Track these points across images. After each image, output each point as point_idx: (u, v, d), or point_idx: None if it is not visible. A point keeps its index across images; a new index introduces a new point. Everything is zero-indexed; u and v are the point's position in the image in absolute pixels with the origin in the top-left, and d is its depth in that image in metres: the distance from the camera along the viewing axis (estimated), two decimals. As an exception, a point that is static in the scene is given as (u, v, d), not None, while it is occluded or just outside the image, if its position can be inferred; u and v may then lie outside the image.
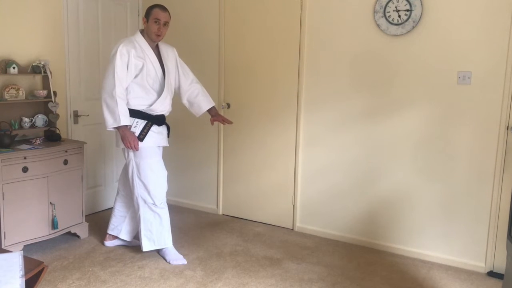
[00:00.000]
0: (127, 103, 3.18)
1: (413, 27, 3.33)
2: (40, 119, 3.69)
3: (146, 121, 3.23)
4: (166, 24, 3.23)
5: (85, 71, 4.14)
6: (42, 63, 3.61)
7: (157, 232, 3.31)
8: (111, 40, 4.34)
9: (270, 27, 3.96)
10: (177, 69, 3.44)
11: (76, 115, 4.09)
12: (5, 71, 3.44)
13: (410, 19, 3.33)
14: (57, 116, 3.74)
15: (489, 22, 3.10)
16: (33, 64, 3.60)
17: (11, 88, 3.47)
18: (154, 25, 3.18)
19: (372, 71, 3.55)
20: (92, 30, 4.16)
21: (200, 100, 3.48)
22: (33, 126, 3.65)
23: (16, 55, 3.58)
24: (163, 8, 3.22)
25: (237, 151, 4.26)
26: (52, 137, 3.62)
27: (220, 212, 4.43)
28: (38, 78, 3.74)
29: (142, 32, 3.25)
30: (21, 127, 3.59)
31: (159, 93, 3.25)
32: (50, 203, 3.42)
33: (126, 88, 3.16)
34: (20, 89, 3.53)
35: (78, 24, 4.04)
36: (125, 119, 3.09)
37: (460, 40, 3.21)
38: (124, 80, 3.11)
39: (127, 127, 3.14)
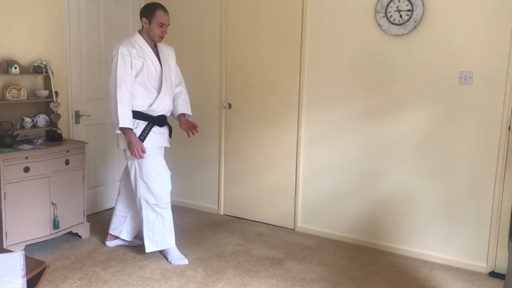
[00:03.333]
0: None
1: (415, 27, 3.33)
2: (41, 119, 3.70)
3: (147, 122, 3.23)
4: (168, 26, 3.24)
5: (86, 71, 4.15)
6: (44, 63, 3.62)
7: (159, 233, 3.31)
8: (112, 40, 4.34)
9: (272, 27, 3.96)
10: (175, 69, 3.42)
11: (77, 115, 4.10)
12: (6, 71, 3.44)
13: (411, 19, 3.32)
14: (59, 116, 3.74)
15: (490, 22, 3.10)
16: (35, 64, 3.61)
17: (13, 88, 3.47)
18: (159, 29, 3.18)
19: (373, 71, 3.54)
20: (93, 30, 4.17)
21: (180, 103, 3.45)
22: (34, 126, 3.66)
23: (18, 55, 3.59)
24: (165, 9, 3.21)
25: (238, 151, 4.26)
26: (53, 137, 3.62)
27: (222, 212, 4.43)
28: (39, 78, 3.75)
29: (140, 32, 3.24)
30: (22, 127, 3.59)
31: (159, 92, 3.25)
32: (52, 203, 3.42)
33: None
34: (22, 89, 3.53)
35: (80, 24, 4.05)
36: (124, 121, 3.06)
37: (461, 40, 3.20)
38: (128, 81, 3.09)
39: (132, 132, 3.12)
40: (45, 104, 3.72)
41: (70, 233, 3.65)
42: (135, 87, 3.17)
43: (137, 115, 3.22)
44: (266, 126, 4.07)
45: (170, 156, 4.57)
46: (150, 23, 3.18)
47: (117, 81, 3.06)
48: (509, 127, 3.12)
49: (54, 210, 3.44)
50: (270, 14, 3.96)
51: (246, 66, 4.13)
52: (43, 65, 3.61)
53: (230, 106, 4.25)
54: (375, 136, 3.59)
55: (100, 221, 4.12)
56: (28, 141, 3.54)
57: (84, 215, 3.72)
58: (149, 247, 3.32)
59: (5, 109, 3.49)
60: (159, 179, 3.27)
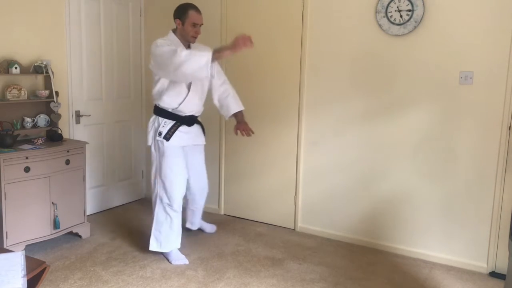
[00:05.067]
0: (161, 100, 3.24)
1: (415, 27, 3.33)
2: (42, 119, 3.70)
3: (174, 122, 3.28)
4: (201, 25, 3.26)
5: (87, 71, 4.15)
6: (44, 63, 3.62)
7: (166, 235, 3.33)
8: (113, 40, 4.35)
9: (272, 27, 3.96)
10: None
11: (78, 115, 4.10)
12: (7, 71, 3.44)
13: (412, 19, 3.32)
14: (59, 116, 3.74)
15: (491, 22, 3.10)
16: (35, 64, 3.61)
17: (13, 88, 3.48)
18: (192, 28, 3.20)
19: (374, 72, 3.54)
20: (94, 30, 4.17)
21: (230, 102, 3.49)
22: (35, 126, 3.66)
23: (18, 55, 3.59)
24: (197, 9, 3.24)
25: (239, 152, 4.25)
26: (54, 137, 3.62)
27: (222, 212, 4.43)
28: (40, 78, 3.75)
29: (174, 32, 3.27)
30: (23, 127, 3.59)
31: (189, 90, 3.28)
32: (52, 203, 3.43)
33: (161, 83, 3.22)
34: (22, 89, 3.53)
35: (80, 24, 4.05)
36: (206, 52, 2.87)
37: (462, 40, 3.20)
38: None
39: (217, 50, 2.92)
40: (45, 104, 3.73)
41: (71, 233, 3.66)
42: (169, 85, 3.21)
43: (165, 114, 3.27)
44: (266, 126, 4.07)
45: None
46: (183, 24, 3.20)
47: (171, 49, 2.97)
48: (510, 127, 3.12)
49: (54, 210, 3.44)
50: (270, 14, 3.96)
51: (246, 66, 4.13)
52: (44, 65, 3.61)
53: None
54: (376, 136, 3.59)
55: (100, 221, 4.12)
56: (29, 141, 3.54)
57: (84, 215, 3.72)
58: (153, 246, 3.34)
59: (6, 109, 3.49)
60: (175, 180, 3.30)
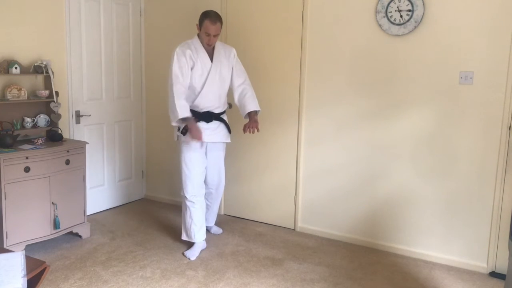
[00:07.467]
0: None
1: (415, 27, 3.33)
2: (42, 119, 3.70)
3: (192, 118, 3.38)
4: (216, 35, 3.38)
5: (87, 71, 4.15)
6: (44, 63, 3.62)
7: (187, 224, 3.51)
8: (113, 40, 4.35)
9: (272, 27, 3.96)
10: (231, 69, 3.55)
11: (78, 115, 4.10)
12: (7, 71, 3.44)
13: (412, 19, 3.32)
14: (59, 116, 3.74)
15: (491, 21, 3.10)
16: (35, 64, 3.61)
17: (13, 88, 3.48)
18: (205, 36, 3.38)
19: (374, 71, 3.54)
20: (94, 30, 4.17)
21: (246, 102, 3.54)
22: (35, 126, 3.66)
23: (18, 55, 3.59)
24: (213, 20, 3.33)
25: (239, 152, 4.25)
26: (54, 137, 3.62)
27: (222, 212, 4.43)
28: (40, 78, 3.75)
29: (198, 35, 3.46)
30: (23, 127, 3.60)
31: (202, 89, 3.39)
32: (52, 203, 3.43)
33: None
34: (22, 89, 3.53)
35: (80, 24, 4.05)
36: (183, 112, 3.21)
37: (462, 40, 3.20)
38: (183, 77, 3.29)
39: (192, 119, 3.29)
40: (45, 104, 3.73)
41: (71, 233, 3.66)
42: None
43: None
44: (266, 126, 4.07)
45: (170, 156, 4.57)
46: (200, 30, 3.41)
47: (173, 80, 3.25)
48: (510, 127, 3.12)
49: (54, 210, 3.44)
50: (270, 14, 3.96)
51: (246, 66, 4.11)
52: (44, 65, 3.61)
53: (230, 106, 4.24)
54: (376, 136, 3.59)
55: (100, 221, 4.12)
56: (29, 141, 3.54)
57: (84, 215, 3.72)
58: (183, 235, 3.56)
59: (6, 109, 3.49)
60: (188, 173, 3.45)
